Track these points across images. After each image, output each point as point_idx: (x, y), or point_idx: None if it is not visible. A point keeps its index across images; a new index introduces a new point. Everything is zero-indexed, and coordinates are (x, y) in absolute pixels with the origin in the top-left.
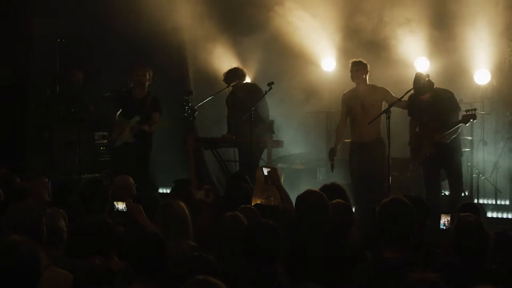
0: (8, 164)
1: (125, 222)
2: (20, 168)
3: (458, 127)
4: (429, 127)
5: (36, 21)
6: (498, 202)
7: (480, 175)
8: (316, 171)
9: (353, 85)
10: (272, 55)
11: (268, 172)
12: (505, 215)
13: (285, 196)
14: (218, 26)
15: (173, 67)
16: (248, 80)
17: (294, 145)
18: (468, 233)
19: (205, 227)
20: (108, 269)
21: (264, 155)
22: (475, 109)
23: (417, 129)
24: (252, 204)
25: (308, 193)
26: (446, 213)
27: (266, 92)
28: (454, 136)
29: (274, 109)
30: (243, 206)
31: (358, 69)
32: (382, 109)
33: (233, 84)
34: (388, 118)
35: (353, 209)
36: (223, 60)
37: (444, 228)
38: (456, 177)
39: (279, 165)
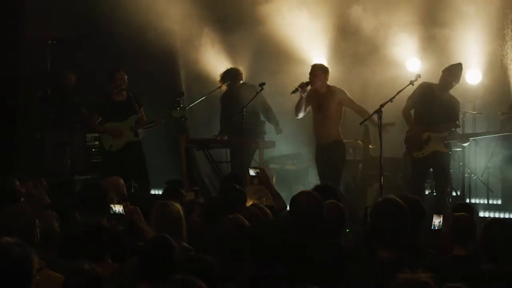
0: None
1: (123, 225)
2: (11, 169)
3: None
4: (438, 124)
5: (27, 23)
6: (490, 202)
7: (472, 175)
8: (307, 172)
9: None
10: (263, 55)
11: (256, 173)
12: (497, 215)
13: (276, 195)
14: (209, 26)
15: (165, 68)
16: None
17: (286, 146)
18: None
19: (198, 228)
20: (97, 274)
21: (256, 156)
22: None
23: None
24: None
25: (303, 194)
26: (438, 213)
27: (257, 92)
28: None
29: None
30: (249, 206)
31: (315, 74)
32: (341, 111)
33: (226, 83)
34: (380, 118)
35: None
36: (215, 61)
37: (436, 228)
38: (444, 182)
39: (271, 166)
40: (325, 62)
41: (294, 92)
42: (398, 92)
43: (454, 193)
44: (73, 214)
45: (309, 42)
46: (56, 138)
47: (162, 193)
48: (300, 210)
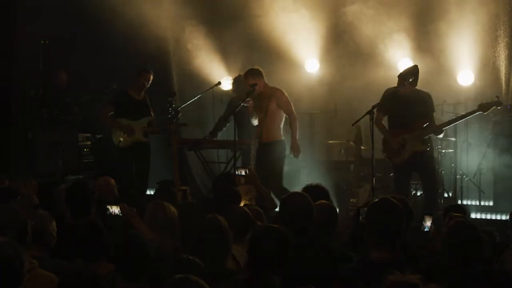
0: None
1: (119, 226)
2: (3, 169)
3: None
4: (412, 125)
5: (19, 22)
6: (482, 203)
7: (464, 176)
8: (299, 172)
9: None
10: (256, 56)
11: (245, 173)
12: (488, 216)
13: (265, 195)
14: (201, 27)
15: (157, 68)
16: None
17: None
18: None
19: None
20: (92, 273)
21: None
22: (497, 96)
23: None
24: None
25: (293, 195)
26: (429, 215)
27: (248, 94)
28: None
29: None
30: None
31: (248, 80)
32: (280, 112)
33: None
34: (372, 119)
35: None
36: (207, 61)
37: (427, 230)
38: (432, 181)
39: None
40: (317, 63)
41: (239, 107)
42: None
43: (446, 194)
44: (65, 214)
45: (301, 42)
46: (48, 138)
47: (154, 193)
48: (290, 211)
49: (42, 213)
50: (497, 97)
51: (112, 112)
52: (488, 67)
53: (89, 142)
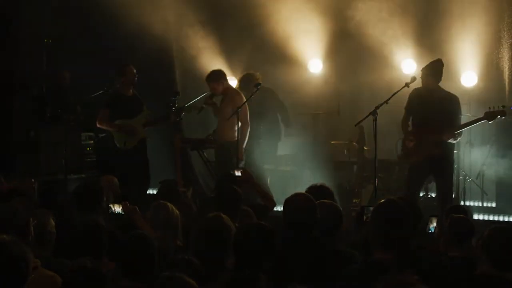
0: None
1: (122, 225)
2: (6, 168)
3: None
4: (429, 126)
5: (22, 21)
6: (485, 205)
7: (467, 177)
8: (302, 173)
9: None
10: (259, 56)
11: (241, 173)
12: (491, 218)
13: (263, 194)
14: (205, 26)
15: (160, 67)
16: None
17: (280, 147)
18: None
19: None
20: (98, 271)
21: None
22: (503, 106)
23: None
24: None
25: (296, 195)
26: (434, 216)
27: (252, 94)
28: (457, 139)
29: None
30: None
31: (213, 83)
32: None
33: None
34: (375, 120)
35: None
36: (210, 61)
37: (432, 231)
38: (445, 190)
39: (265, 166)
40: (320, 63)
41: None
42: (393, 94)
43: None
44: (68, 213)
45: (305, 43)
46: (51, 137)
47: (157, 193)
48: (294, 211)
49: (41, 211)
50: (503, 106)
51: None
52: (491, 68)
53: (92, 141)
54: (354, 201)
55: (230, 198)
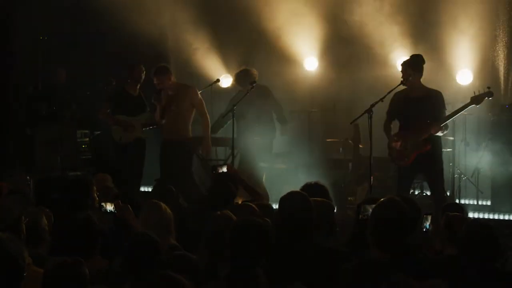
0: None
1: (114, 223)
2: (2, 166)
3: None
4: (416, 126)
5: (19, 18)
6: (480, 203)
7: (462, 176)
8: (297, 170)
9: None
10: (255, 54)
11: (226, 169)
12: (486, 216)
13: (251, 190)
14: (200, 24)
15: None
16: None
17: (276, 144)
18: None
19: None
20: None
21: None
22: (488, 87)
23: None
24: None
25: (291, 194)
26: (428, 214)
27: (247, 91)
28: (445, 132)
29: None
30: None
31: (154, 80)
32: (191, 110)
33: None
34: (370, 118)
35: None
36: (206, 58)
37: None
38: (437, 185)
39: (261, 164)
40: (316, 61)
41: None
42: (389, 92)
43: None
44: (63, 211)
45: (301, 41)
46: (47, 134)
47: (152, 191)
48: (288, 210)
49: (34, 209)
50: (488, 87)
51: (109, 110)
52: (487, 67)
53: (88, 139)
54: (349, 199)
55: (222, 195)
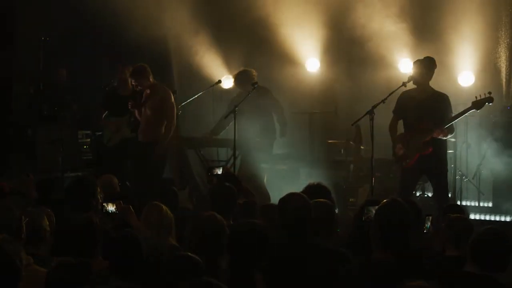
0: None
1: (116, 223)
2: (3, 166)
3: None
4: (421, 127)
5: (20, 20)
6: (481, 204)
7: (463, 177)
8: (299, 171)
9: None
10: (257, 55)
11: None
12: (487, 217)
13: (246, 190)
14: (202, 25)
15: (157, 66)
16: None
17: (277, 145)
18: None
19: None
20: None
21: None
22: (489, 92)
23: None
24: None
25: (291, 195)
26: (428, 215)
27: (249, 92)
28: (449, 136)
29: None
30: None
31: (136, 79)
32: (162, 110)
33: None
34: (372, 119)
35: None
36: (207, 59)
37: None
38: (440, 187)
39: (262, 165)
40: (318, 62)
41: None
42: (391, 94)
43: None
44: (65, 211)
45: (302, 42)
46: (48, 134)
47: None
48: (288, 211)
49: (35, 210)
50: (489, 92)
51: (105, 113)
52: (488, 68)
53: (89, 139)
54: (350, 200)
55: (223, 196)
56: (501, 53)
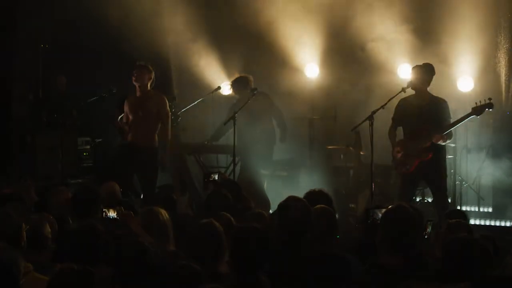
0: None
1: (117, 230)
2: (2, 173)
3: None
4: (420, 133)
5: (19, 26)
6: (481, 210)
7: (463, 182)
8: (299, 178)
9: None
10: (256, 61)
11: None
12: (487, 223)
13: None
14: (201, 31)
15: (157, 73)
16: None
17: (277, 151)
18: None
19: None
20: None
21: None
22: (490, 98)
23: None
24: None
25: (290, 200)
26: (429, 221)
27: (249, 98)
28: (448, 141)
29: None
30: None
31: (138, 71)
32: (158, 118)
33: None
34: (371, 124)
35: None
36: (207, 66)
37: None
38: (439, 193)
39: (262, 171)
40: (317, 68)
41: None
42: (390, 99)
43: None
44: (64, 218)
45: (302, 47)
46: (47, 141)
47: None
48: (288, 216)
49: (36, 217)
50: (489, 99)
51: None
52: (488, 73)
53: (89, 146)
54: (350, 206)
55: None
56: (501, 58)
